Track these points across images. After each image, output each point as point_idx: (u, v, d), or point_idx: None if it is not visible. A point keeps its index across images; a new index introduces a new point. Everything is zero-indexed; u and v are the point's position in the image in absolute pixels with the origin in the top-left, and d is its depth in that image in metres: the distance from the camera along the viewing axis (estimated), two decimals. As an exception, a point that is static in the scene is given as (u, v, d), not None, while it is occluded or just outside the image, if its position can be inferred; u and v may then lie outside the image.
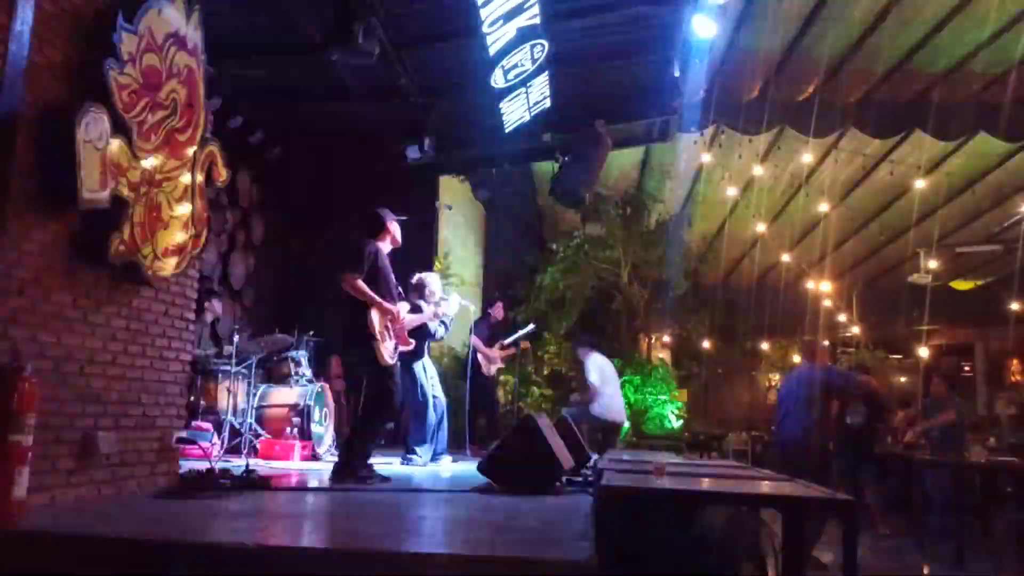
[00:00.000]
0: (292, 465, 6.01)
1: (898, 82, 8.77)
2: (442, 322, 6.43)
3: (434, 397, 6.28)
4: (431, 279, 6.58)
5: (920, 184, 10.36)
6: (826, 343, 8.34)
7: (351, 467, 4.67)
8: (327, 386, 6.97)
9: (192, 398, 5.94)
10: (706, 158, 10.37)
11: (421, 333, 6.30)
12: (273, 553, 2.62)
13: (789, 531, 2.53)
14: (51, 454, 3.17)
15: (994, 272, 14.32)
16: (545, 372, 12.05)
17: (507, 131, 7.69)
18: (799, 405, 6.15)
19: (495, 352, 8.44)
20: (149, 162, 3.60)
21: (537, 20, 6.01)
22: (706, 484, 3.09)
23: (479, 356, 8.17)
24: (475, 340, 8.18)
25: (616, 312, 12.19)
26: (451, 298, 6.68)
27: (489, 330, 8.52)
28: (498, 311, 8.46)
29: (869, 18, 7.72)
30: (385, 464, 6.31)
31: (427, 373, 6.33)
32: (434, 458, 6.24)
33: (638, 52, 7.29)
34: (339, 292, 4.83)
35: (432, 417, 6.23)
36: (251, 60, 6.38)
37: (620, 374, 11.48)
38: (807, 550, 4.93)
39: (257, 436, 6.32)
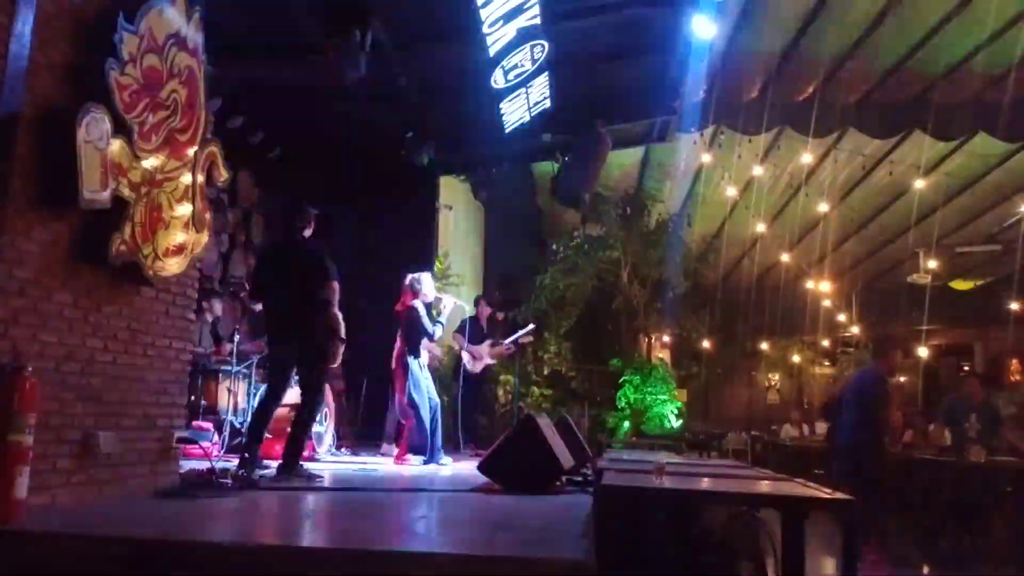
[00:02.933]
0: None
1: (898, 82, 8.78)
2: (437, 321, 6.52)
3: (429, 398, 6.33)
4: (424, 279, 6.68)
5: (920, 184, 10.36)
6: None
7: (298, 465, 4.78)
8: (327, 386, 6.96)
9: (193, 398, 5.95)
10: (706, 158, 10.37)
11: (416, 332, 6.36)
12: (273, 553, 2.62)
13: (789, 531, 2.54)
14: (52, 454, 3.17)
15: (993, 272, 14.34)
16: (545, 372, 12.07)
17: (507, 131, 7.69)
18: (849, 409, 6.32)
19: (483, 350, 8.39)
20: (150, 162, 3.60)
21: (537, 20, 6.01)
22: (706, 484, 3.10)
23: (463, 355, 8.15)
24: (458, 338, 8.15)
25: (616, 312, 12.20)
26: (444, 298, 6.82)
27: (475, 329, 8.48)
28: (482, 309, 8.44)
29: (869, 18, 7.72)
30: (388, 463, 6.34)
31: (423, 373, 6.36)
32: (432, 458, 6.23)
33: (638, 53, 7.29)
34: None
35: (429, 417, 6.26)
36: (251, 60, 6.37)
37: (620, 374, 11.55)
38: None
39: (257, 436, 6.30)
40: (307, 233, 5.17)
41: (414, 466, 6.19)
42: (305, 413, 4.97)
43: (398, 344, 6.48)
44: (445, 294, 7.24)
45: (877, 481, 5.92)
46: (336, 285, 4.93)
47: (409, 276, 6.65)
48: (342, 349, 5.06)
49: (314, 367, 4.97)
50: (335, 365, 5.18)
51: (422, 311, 6.45)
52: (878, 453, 6.17)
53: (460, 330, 8.09)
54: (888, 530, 6.85)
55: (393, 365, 6.50)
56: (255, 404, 5.59)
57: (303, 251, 5.03)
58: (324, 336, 4.90)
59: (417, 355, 6.37)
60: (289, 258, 5.06)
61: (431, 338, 6.51)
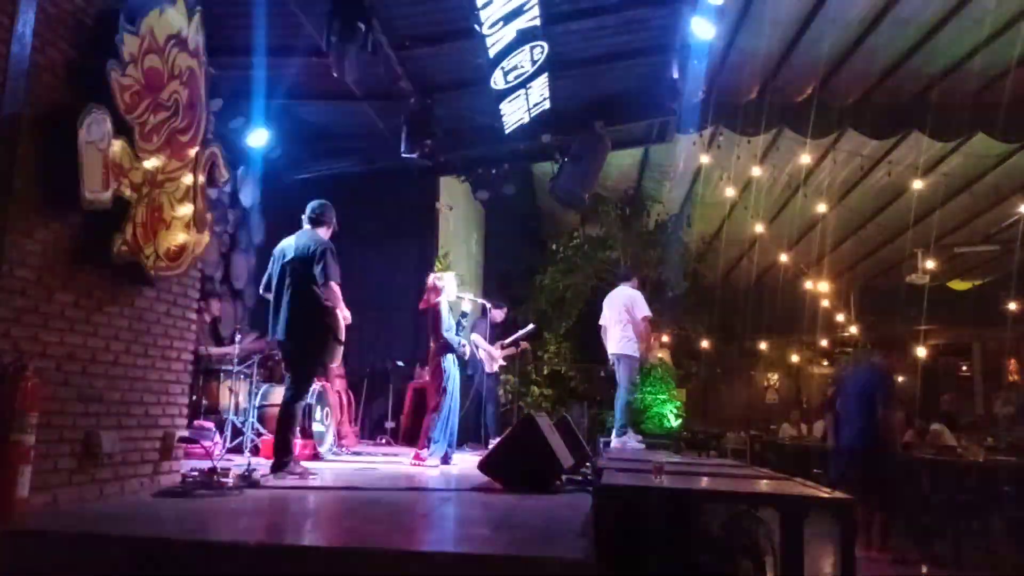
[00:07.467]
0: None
1: (896, 83, 8.79)
2: (457, 322, 6.47)
3: (455, 397, 6.28)
4: (447, 278, 6.50)
5: (918, 184, 10.38)
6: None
7: (290, 463, 4.78)
8: (328, 385, 6.98)
9: (194, 397, 5.95)
10: (705, 159, 10.38)
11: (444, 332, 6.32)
12: (274, 552, 2.63)
13: (788, 530, 2.55)
14: (53, 453, 3.18)
15: (991, 272, 14.36)
16: (545, 372, 12.08)
17: (507, 132, 7.71)
18: (853, 408, 6.08)
19: (497, 350, 8.51)
20: (151, 163, 3.61)
21: (537, 22, 6.03)
22: (705, 483, 3.11)
23: (481, 353, 8.21)
24: (477, 337, 8.20)
25: (615, 312, 12.18)
26: (466, 297, 6.76)
27: (490, 329, 8.56)
28: (498, 314, 8.52)
29: (867, 19, 7.73)
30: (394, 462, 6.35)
31: (454, 370, 6.31)
32: (446, 459, 6.17)
33: (637, 54, 7.31)
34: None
35: (454, 417, 6.24)
36: (252, 60, 6.38)
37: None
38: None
39: (259, 435, 6.32)
40: (323, 232, 5.12)
41: (430, 466, 6.01)
42: (290, 410, 4.94)
43: (432, 344, 6.37)
44: (467, 293, 7.13)
45: (886, 483, 5.80)
46: (335, 287, 4.90)
47: (432, 275, 6.56)
48: (340, 351, 5.05)
49: (305, 365, 4.97)
50: (334, 364, 5.18)
51: (444, 310, 6.32)
52: (890, 454, 6.00)
53: (479, 331, 8.18)
54: (890, 530, 6.87)
55: (429, 363, 6.41)
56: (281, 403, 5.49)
57: (310, 249, 4.96)
58: (320, 336, 4.90)
59: (449, 351, 6.28)
60: (295, 253, 4.99)
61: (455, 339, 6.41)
